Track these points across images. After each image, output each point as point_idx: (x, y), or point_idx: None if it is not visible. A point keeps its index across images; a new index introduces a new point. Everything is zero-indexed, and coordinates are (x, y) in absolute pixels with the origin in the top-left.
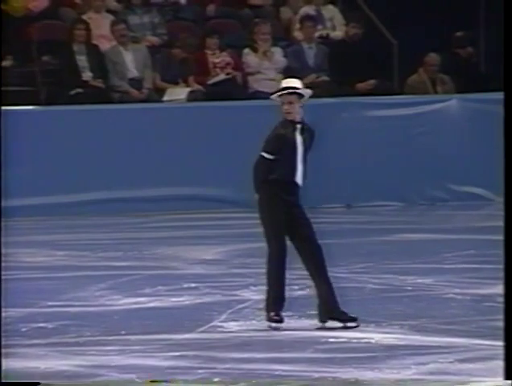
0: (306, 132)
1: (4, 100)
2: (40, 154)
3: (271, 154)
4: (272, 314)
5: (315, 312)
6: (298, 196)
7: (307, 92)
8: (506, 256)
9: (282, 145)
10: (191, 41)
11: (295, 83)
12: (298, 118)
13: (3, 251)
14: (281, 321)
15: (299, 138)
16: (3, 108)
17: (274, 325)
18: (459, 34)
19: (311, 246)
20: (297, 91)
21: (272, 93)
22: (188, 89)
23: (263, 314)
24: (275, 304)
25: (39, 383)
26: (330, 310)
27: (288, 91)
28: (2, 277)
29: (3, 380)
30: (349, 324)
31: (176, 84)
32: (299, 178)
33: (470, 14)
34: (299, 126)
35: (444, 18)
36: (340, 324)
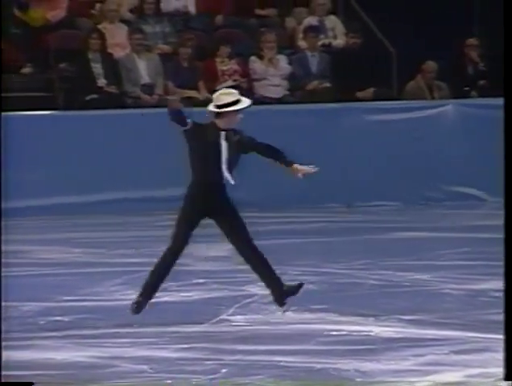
0: (231, 137)
1: (23, 105)
2: (57, 156)
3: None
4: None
5: (317, 306)
6: (224, 196)
7: (247, 102)
8: (506, 256)
9: (206, 150)
10: (200, 49)
11: (235, 95)
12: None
13: (22, 248)
14: (139, 310)
15: (223, 144)
16: (24, 112)
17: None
18: (470, 40)
19: (249, 245)
20: (240, 108)
21: (220, 106)
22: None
23: (269, 308)
24: (144, 290)
25: (33, 384)
26: (283, 293)
27: (234, 108)
28: (21, 274)
29: (3, 380)
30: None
31: (188, 89)
32: (225, 179)
33: (465, 23)
34: (223, 132)
35: (441, 27)
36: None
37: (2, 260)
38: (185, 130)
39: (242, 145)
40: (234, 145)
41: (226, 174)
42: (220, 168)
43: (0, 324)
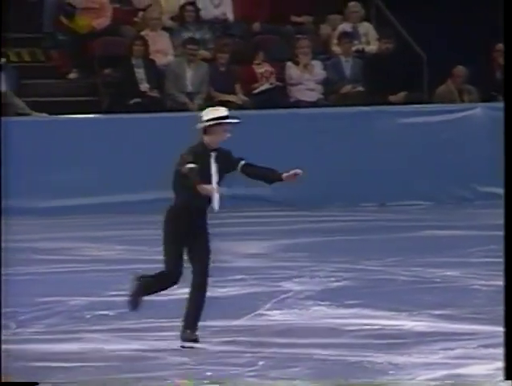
0: (220, 158)
1: (70, 108)
2: (102, 157)
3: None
4: (188, 331)
5: (351, 302)
6: (204, 220)
7: (235, 120)
8: (506, 255)
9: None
10: (238, 55)
11: (223, 111)
12: (217, 146)
13: (68, 245)
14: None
15: (213, 166)
16: (70, 116)
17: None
18: (499, 46)
19: (203, 276)
20: (229, 121)
21: (211, 120)
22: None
23: (304, 303)
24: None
25: (37, 384)
26: (191, 324)
27: (226, 121)
28: (67, 270)
29: (3, 380)
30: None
31: (226, 93)
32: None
33: (493, 29)
34: (213, 154)
35: (470, 33)
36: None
37: (50, 257)
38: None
39: (230, 166)
40: (223, 167)
41: (215, 199)
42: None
43: (0, 324)
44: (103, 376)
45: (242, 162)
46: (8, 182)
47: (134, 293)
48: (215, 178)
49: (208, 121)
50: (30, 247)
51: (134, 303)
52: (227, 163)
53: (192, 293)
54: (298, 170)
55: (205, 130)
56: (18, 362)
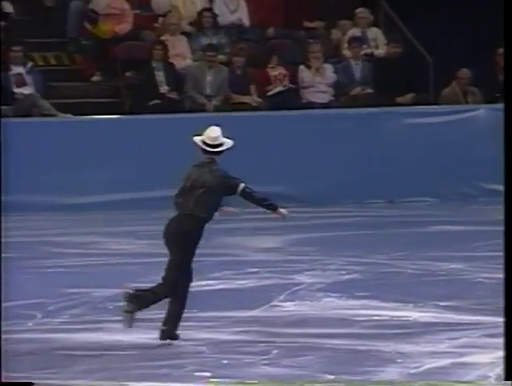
0: (215, 176)
1: (94, 109)
2: (124, 156)
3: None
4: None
5: (361, 293)
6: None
7: (229, 143)
8: (506, 254)
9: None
10: (253, 58)
11: (219, 138)
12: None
13: (93, 239)
14: (176, 338)
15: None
16: (94, 116)
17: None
18: (501, 50)
19: (186, 279)
20: (222, 149)
21: (210, 146)
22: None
23: (316, 295)
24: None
25: (33, 384)
26: (171, 329)
27: (220, 149)
28: (92, 263)
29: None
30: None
31: (241, 94)
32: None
33: (496, 33)
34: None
35: (474, 37)
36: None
37: (75, 251)
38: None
39: (227, 188)
40: (219, 185)
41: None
42: (203, 204)
43: (0, 324)
44: (123, 365)
45: (242, 186)
46: (37, 180)
47: (128, 310)
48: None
49: (207, 145)
50: (55, 241)
51: (130, 320)
52: (222, 184)
53: (174, 296)
54: (285, 212)
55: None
56: (43, 351)
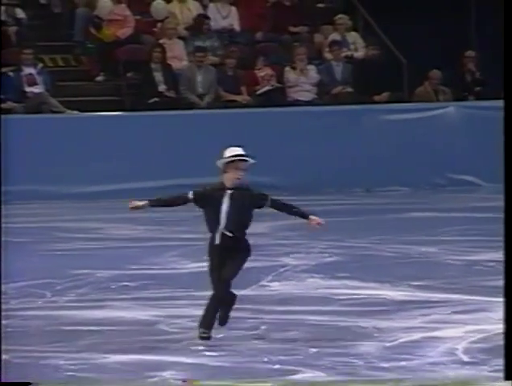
0: (238, 195)
1: (98, 107)
2: (125, 150)
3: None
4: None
5: (341, 274)
6: (227, 246)
7: (251, 161)
8: (507, 254)
9: (206, 202)
10: (243, 60)
11: (241, 151)
12: (233, 185)
13: (96, 225)
14: (209, 338)
15: (226, 201)
16: (98, 113)
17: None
18: (468, 53)
19: (228, 287)
20: (246, 158)
21: (230, 158)
22: None
23: (300, 275)
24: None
25: (30, 384)
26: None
27: (243, 158)
28: (95, 246)
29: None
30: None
31: (233, 94)
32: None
33: (464, 37)
34: (229, 192)
35: (445, 41)
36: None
37: (85, 235)
38: (193, 200)
39: (253, 202)
40: (242, 203)
41: (222, 232)
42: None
43: (0, 323)
44: (124, 339)
45: (270, 198)
46: (47, 171)
47: (204, 337)
48: (223, 215)
49: (225, 158)
50: (63, 227)
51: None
52: (251, 200)
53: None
54: (322, 221)
55: (223, 169)
56: (51, 327)
